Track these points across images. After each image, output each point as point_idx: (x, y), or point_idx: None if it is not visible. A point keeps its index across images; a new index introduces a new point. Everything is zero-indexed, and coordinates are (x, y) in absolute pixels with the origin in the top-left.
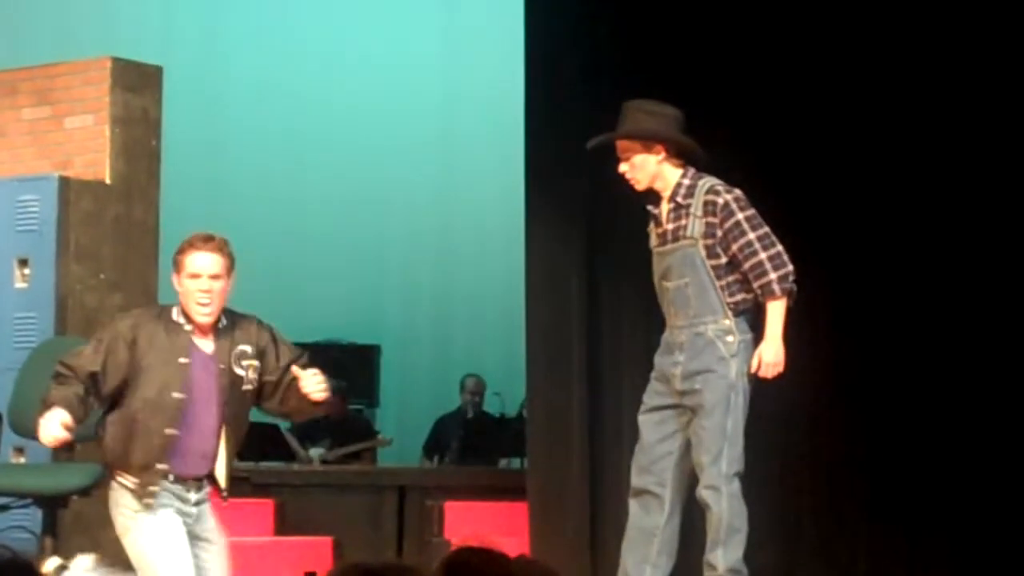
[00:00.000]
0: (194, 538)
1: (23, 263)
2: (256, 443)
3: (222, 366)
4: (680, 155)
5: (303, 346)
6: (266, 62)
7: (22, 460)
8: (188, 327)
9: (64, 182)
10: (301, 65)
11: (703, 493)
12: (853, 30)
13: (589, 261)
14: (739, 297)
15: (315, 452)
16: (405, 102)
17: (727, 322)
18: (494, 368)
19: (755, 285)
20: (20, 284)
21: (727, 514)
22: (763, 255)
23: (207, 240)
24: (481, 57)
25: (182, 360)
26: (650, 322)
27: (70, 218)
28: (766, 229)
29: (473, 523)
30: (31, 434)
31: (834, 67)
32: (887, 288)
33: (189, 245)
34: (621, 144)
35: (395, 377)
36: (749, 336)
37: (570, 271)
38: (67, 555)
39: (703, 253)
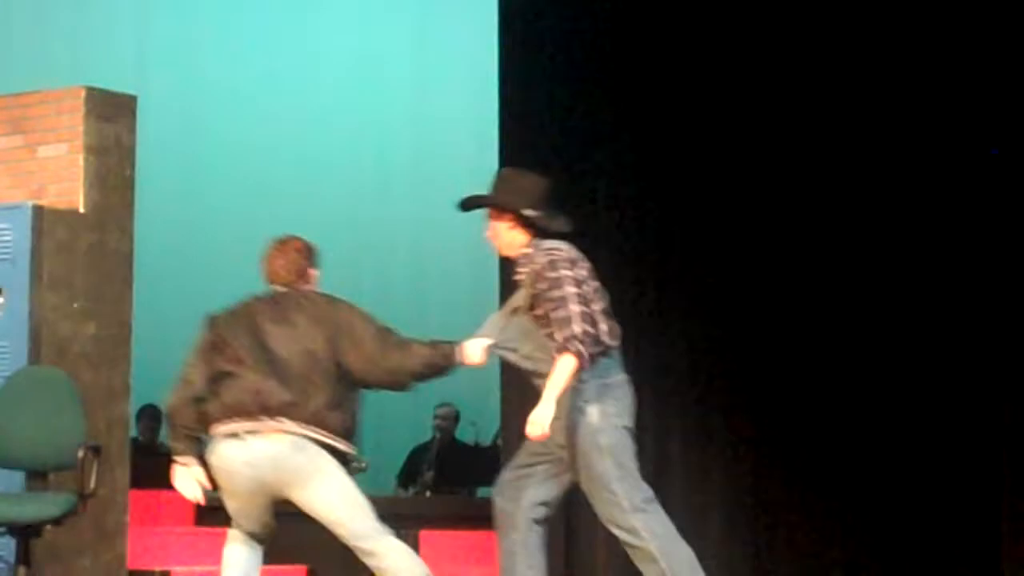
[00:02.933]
0: None
1: None
2: None
3: None
4: (530, 226)
5: None
6: (239, 87)
7: None
8: None
9: (37, 211)
10: (274, 87)
11: (621, 536)
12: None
13: None
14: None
15: None
16: (378, 116)
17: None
18: (468, 397)
19: (556, 339)
20: None
21: (653, 543)
22: (561, 312)
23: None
24: (454, 56)
25: None
26: (628, 345)
27: (43, 247)
28: (564, 291)
29: (448, 552)
30: (5, 462)
31: (809, 68)
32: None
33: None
34: (489, 211)
35: (367, 406)
36: (612, 379)
37: None
38: None
39: (531, 323)
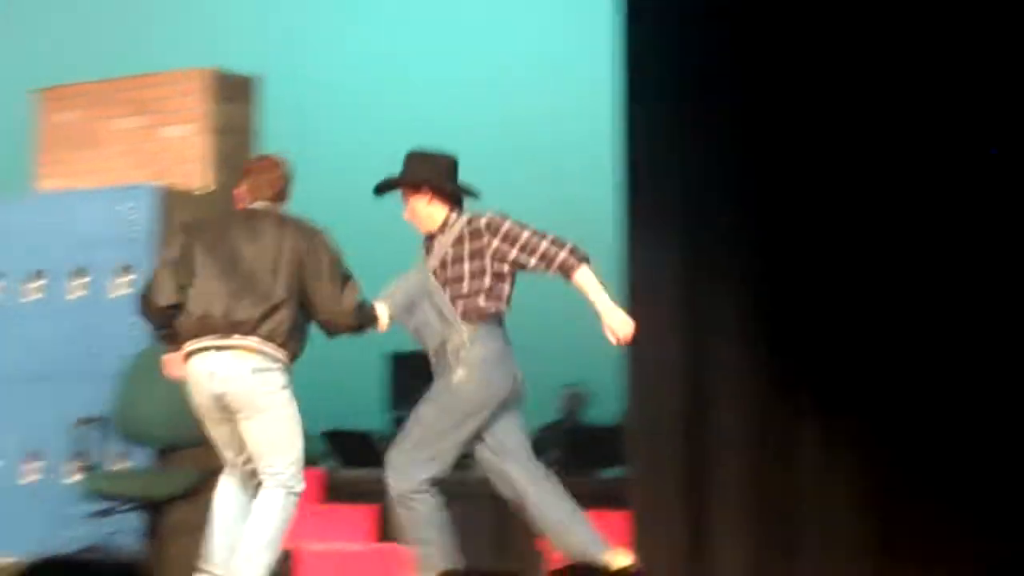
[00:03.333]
0: None
1: (123, 271)
2: (356, 450)
3: None
4: (446, 198)
5: (402, 355)
6: (359, 70)
7: (126, 465)
8: None
9: (162, 191)
10: (396, 73)
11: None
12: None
13: (688, 265)
14: (484, 308)
15: None
16: (493, 106)
17: (464, 337)
18: (592, 376)
19: (552, 271)
20: (121, 292)
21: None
22: (544, 243)
23: None
24: (573, 56)
25: None
26: (750, 328)
27: (168, 227)
28: (532, 227)
29: None
30: (136, 439)
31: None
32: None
33: None
34: (403, 191)
35: None
36: (494, 345)
37: (668, 282)
38: (168, 559)
39: (436, 284)
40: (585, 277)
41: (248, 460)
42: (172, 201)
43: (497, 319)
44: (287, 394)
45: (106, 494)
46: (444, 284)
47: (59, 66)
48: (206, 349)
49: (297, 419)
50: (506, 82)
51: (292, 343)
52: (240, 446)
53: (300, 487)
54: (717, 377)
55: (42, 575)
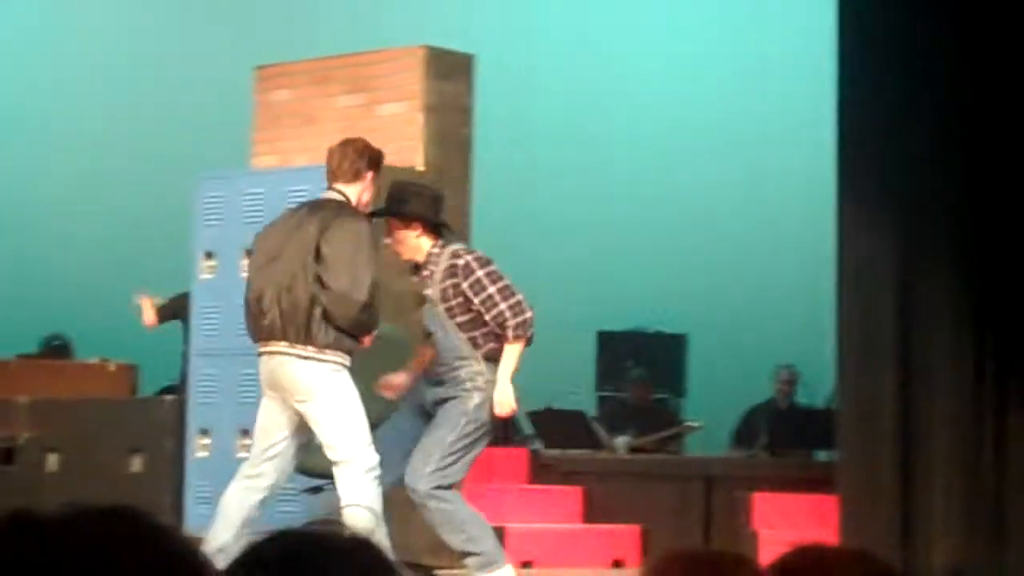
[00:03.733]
0: None
1: None
2: (562, 430)
3: None
4: (434, 231)
5: (610, 334)
6: (574, 51)
7: None
8: None
9: None
10: (608, 54)
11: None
12: None
13: (904, 249)
14: (486, 348)
15: (620, 440)
16: (707, 85)
17: (478, 366)
18: (800, 356)
19: (501, 331)
20: None
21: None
22: (503, 305)
23: None
24: (789, 30)
25: None
26: (964, 310)
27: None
28: (505, 282)
29: (782, 515)
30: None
31: None
32: None
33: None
34: (392, 221)
35: (701, 366)
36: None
37: (884, 262)
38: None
39: (443, 313)
40: (509, 351)
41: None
42: (388, 179)
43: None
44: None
45: (316, 471)
46: (452, 316)
47: (278, 44)
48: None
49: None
50: (717, 69)
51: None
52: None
53: (370, 463)
54: (930, 360)
55: (279, 548)
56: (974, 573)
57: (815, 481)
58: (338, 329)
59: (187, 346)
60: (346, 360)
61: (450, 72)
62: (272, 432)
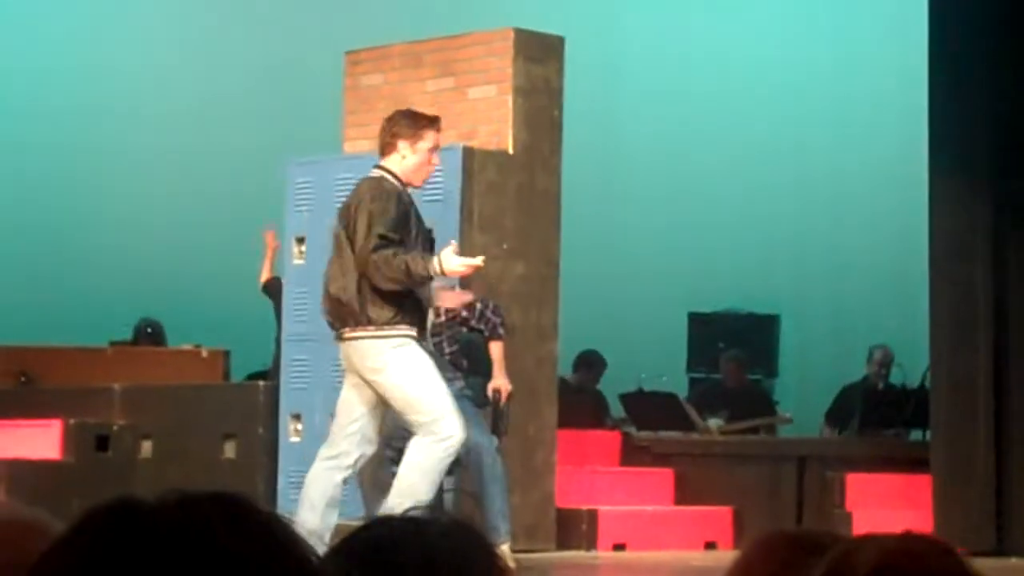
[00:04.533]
0: None
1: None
2: (654, 412)
3: None
4: None
5: (702, 315)
6: (659, 32)
7: None
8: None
9: (468, 152)
10: (692, 34)
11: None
12: None
13: (996, 228)
14: None
15: (713, 422)
16: (796, 66)
17: None
18: (893, 337)
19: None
20: None
21: None
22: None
23: None
24: (879, 9)
25: None
26: None
27: (474, 188)
28: None
29: (875, 495)
30: None
31: None
32: None
33: (434, 122)
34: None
35: (794, 347)
36: None
37: (976, 239)
38: None
39: None
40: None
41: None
42: (478, 161)
43: None
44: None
45: None
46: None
47: (370, 28)
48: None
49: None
50: (805, 56)
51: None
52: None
53: (446, 433)
54: (1023, 338)
55: (376, 537)
56: None
57: (908, 461)
58: (395, 303)
59: (279, 331)
60: (411, 331)
61: (539, 55)
62: (351, 410)
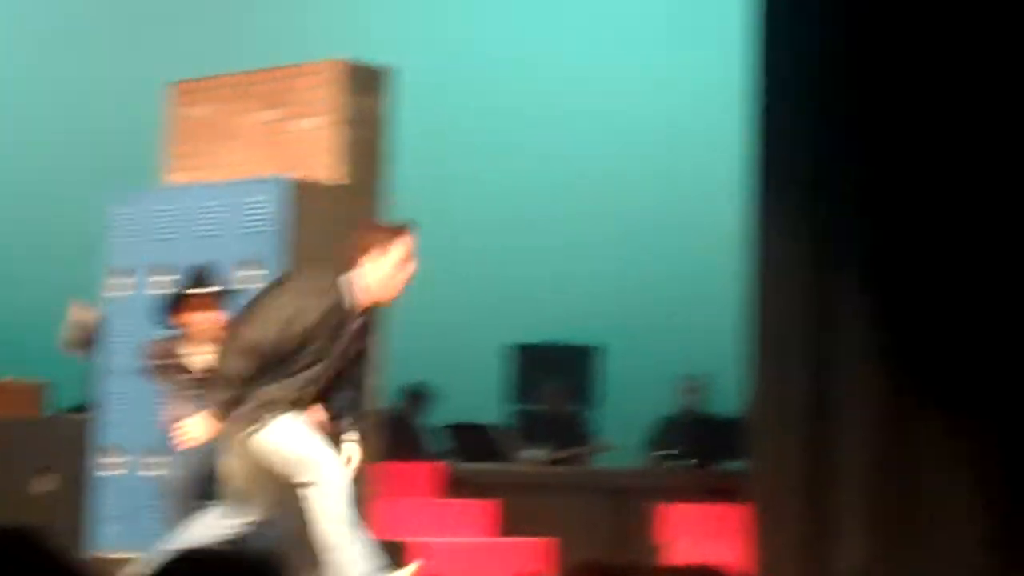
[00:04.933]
0: None
1: (251, 264)
2: (479, 444)
3: None
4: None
5: (528, 347)
6: (493, 58)
7: None
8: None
9: (295, 184)
10: (521, 62)
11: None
12: None
13: (814, 254)
14: None
15: (533, 453)
16: (622, 84)
17: None
18: (715, 365)
19: None
20: (249, 286)
21: None
22: None
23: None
24: (703, 36)
25: None
26: (875, 318)
27: (300, 219)
28: None
29: (690, 525)
30: None
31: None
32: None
33: (406, 229)
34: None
35: (616, 377)
36: None
37: (793, 265)
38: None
39: None
40: None
41: None
42: (302, 194)
43: None
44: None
45: None
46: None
47: (192, 60)
48: None
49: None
50: (629, 80)
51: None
52: None
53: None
54: (840, 367)
55: (182, 570)
56: None
57: (726, 491)
58: None
59: (97, 364)
60: None
61: (367, 86)
62: None
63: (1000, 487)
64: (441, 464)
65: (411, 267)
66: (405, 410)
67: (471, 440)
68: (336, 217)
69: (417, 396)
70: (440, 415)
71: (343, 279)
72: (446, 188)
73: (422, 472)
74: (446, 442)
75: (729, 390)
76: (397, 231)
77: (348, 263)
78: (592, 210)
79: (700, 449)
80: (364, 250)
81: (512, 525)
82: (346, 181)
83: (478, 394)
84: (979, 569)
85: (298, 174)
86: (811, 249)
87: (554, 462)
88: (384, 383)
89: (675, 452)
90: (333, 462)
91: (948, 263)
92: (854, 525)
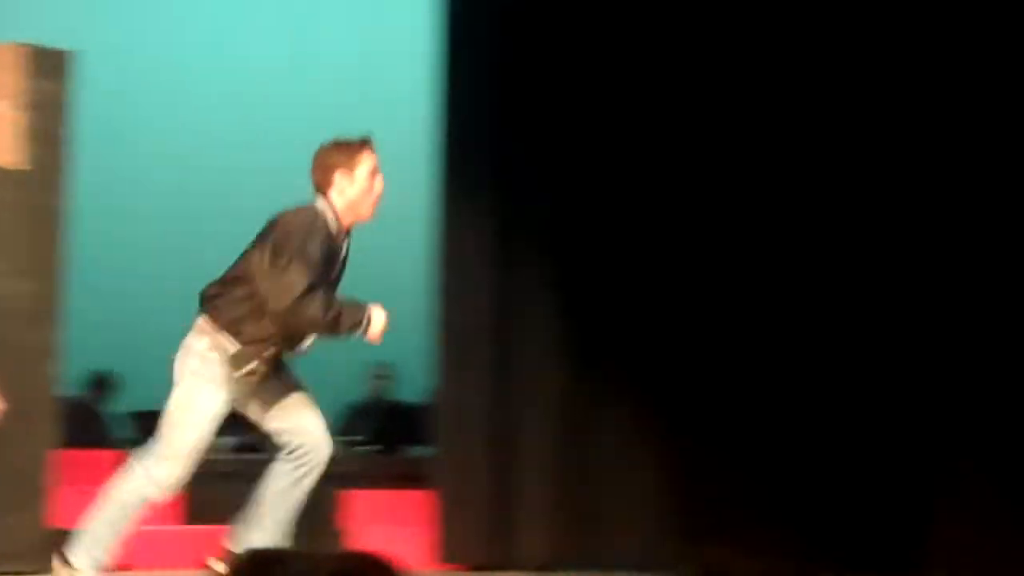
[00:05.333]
0: None
1: None
2: (154, 431)
3: None
4: None
5: None
6: (178, 48)
7: None
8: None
9: None
10: (217, 52)
11: None
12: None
13: (498, 245)
14: None
15: (220, 442)
16: (314, 75)
17: None
18: (401, 354)
19: None
20: None
21: None
22: None
23: None
24: (391, 32)
25: None
26: (560, 306)
27: None
28: None
29: (376, 512)
30: None
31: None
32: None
33: (366, 143)
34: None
35: (303, 364)
36: None
37: (476, 256)
38: None
39: None
40: None
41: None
42: None
43: None
44: (190, 380)
45: None
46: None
47: None
48: None
49: (188, 408)
50: (321, 64)
51: (235, 325)
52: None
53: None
54: (524, 355)
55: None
56: (567, 566)
57: (412, 477)
58: None
59: None
60: None
61: (50, 70)
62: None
63: (677, 470)
64: (125, 452)
65: (380, 180)
66: (89, 397)
67: (155, 428)
68: (16, 204)
69: (103, 383)
70: (126, 402)
71: (323, 204)
72: (135, 173)
73: (106, 460)
74: (131, 430)
75: (416, 378)
76: (358, 146)
77: (319, 188)
78: (288, 196)
79: (386, 435)
80: (331, 170)
81: (197, 513)
82: (27, 167)
83: (165, 382)
84: (658, 549)
85: None
86: (495, 244)
87: (239, 449)
88: (66, 370)
89: (361, 439)
90: None
91: (624, 262)
92: (537, 510)
